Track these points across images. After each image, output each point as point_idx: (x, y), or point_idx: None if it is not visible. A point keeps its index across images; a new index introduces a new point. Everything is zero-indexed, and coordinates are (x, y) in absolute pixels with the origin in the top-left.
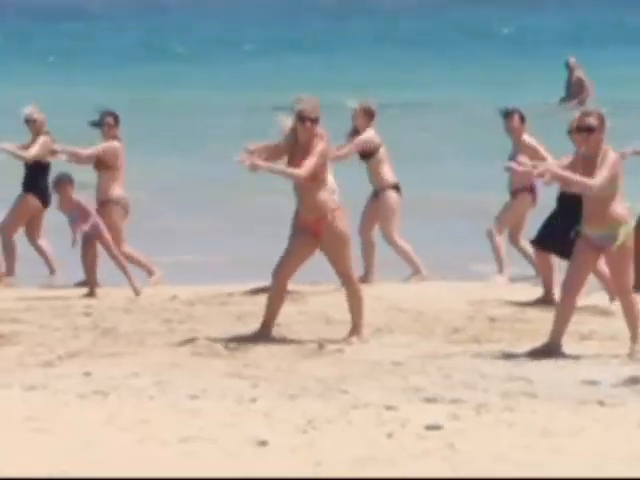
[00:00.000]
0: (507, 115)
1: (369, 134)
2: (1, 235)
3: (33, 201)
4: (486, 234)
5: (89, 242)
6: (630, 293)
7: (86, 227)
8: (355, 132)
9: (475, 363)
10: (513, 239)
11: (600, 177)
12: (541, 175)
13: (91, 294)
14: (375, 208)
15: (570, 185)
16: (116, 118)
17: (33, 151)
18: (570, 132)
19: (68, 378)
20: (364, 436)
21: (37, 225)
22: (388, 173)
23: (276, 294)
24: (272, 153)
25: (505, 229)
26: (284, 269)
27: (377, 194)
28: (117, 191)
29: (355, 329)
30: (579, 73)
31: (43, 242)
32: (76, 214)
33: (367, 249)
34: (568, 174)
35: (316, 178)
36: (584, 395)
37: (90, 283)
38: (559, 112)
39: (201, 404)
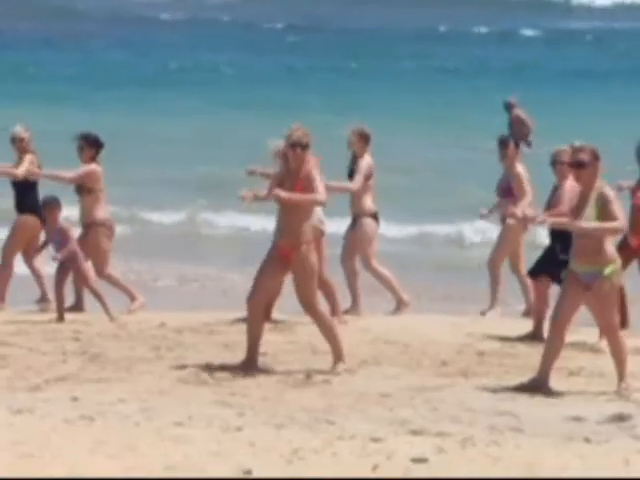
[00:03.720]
0: (502, 143)
1: (369, 160)
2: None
3: (31, 220)
4: (487, 266)
5: (64, 270)
6: (616, 331)
7: (64, 255)
8: (354, 158)
9: (462, 397)
10: (514, 268)
11: (620, 215)
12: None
13: (60, 319)
14: (354, 236)
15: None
16: (92, 141)
17: (23, 168)
18: (553, 164)
19: (55, 403)
20: (349, 467)
21: (33, 245)
22: (369, 201)
23: (253, 321)
24: (272, 181)
25: (504, 259)
26: (257, 295)
27: (355, 221)
28: (101, 213)
29: (337, 357)
30: (517, 111)
31: (38, 263)
32: (59, 239)
33: (351, 278)
34: (594, 226)
35: (306, 205)
36: (570, 431)
37: (59, 309)
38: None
39: (187, 432)
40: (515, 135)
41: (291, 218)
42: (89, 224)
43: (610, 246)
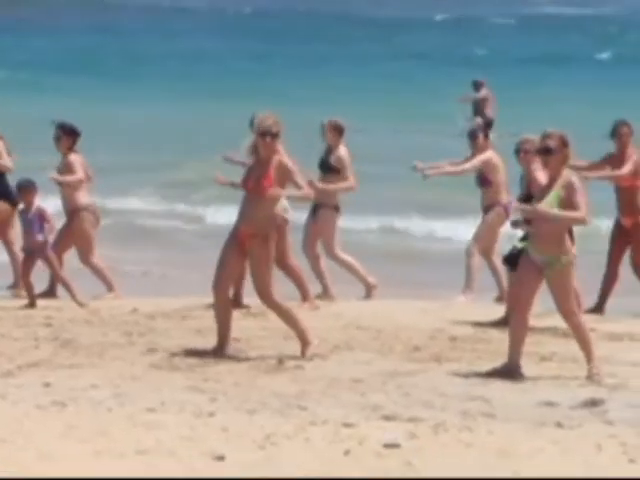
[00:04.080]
0: (472, 135)
1: (346, 151)
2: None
3: (2, 206)
4: (464, 252)
5: (31, 258)
6: (575, 315)
7: (37, 238)
8: (328, 150)
9: (434, 382)
10: (485, 253)
11: (584, 207)
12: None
13: (32, 305)
14: (314, 227)
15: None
16: (69, 131)
17: (8, 159)
18: (517, 152)
19: (27, 388)
20: (322, 453)
21: (9, 229)
22: (333, 192)
23: (220, 307)
24: (246, 172)
25: (493, 245)
26: (222, 282)
27: (315, 210)
28: (83, 199)
29: (303, 341)
30: (483, 92)
31: (18, 248)
32: (38, 222)
33: (315, 265)
34: (557, 213)
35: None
36: (542, 416)
37: (29, 296)
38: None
39: (159, 417)
40: (478, 113)
41: (255, 207)
42: (72, 210)
43: (568, 237)
